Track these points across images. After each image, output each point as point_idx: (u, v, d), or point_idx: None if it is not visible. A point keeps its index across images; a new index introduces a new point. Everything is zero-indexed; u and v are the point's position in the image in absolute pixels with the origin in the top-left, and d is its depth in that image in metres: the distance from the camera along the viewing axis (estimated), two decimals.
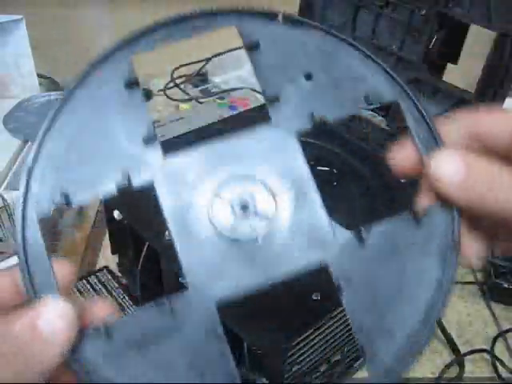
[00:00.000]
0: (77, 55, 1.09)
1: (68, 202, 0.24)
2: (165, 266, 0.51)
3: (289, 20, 0.27)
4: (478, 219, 0.25)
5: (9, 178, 0.75)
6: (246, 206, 0.25)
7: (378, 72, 0.27)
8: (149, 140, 0.25)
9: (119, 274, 0.64)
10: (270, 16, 0.27)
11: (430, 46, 0.64)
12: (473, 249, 0.25)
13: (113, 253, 0.63)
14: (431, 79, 0.65)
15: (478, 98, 0.60)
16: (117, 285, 0.62)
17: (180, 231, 0.25)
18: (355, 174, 0.59)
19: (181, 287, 0.25)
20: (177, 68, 1.08)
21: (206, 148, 0.26)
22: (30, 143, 0.83)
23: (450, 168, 0.24)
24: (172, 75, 1.08)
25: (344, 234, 0.26)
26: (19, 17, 0.86)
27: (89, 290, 0.61)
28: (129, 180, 0.25)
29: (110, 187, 0.25)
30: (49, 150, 0.25)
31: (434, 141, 0.25)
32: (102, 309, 0.24)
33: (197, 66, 1.10)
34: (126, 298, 0.60)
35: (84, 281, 0.62)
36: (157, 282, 0.55)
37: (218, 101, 0.82)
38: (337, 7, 0.73)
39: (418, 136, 0.26)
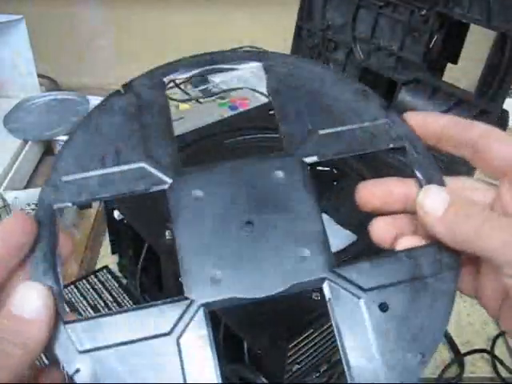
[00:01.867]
0: (77, 55, 1.09)
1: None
2: (165, 266, 0.51)
3: None
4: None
5: (9, 177, 0.75)
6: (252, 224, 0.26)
7: None
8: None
9: (119, 274, 0.64)
10: None
11: (430, 46, 0.64)
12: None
13: (113, 253, 0.63)
14: (431, 79, 0.65)
15: (478, 98, 0.60)
16: (117, 285, 0.62)
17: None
18: (355, 174, 0.59)
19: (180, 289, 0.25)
20: None
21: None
22: (30, 143, 0.83)
23: (434, 199, 0.26)
24: None
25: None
26: (19, 17, 0.86)
27: (89, 289, 0.61)
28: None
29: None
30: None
31: (439, 182, 0.28)
32: None
33: None
34: (126, 297, 0.60)
35: (84, 281, 0.62)
36: (157, 281, 0.55)
37: (219, 101, 0.82)
38: (337, 7, 0.73)
39: (422, 175, 0.28)
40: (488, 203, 0.28)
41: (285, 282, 0.25)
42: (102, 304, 0.59)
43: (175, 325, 0.24)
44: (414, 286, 0.26)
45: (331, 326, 0.26)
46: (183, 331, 0.24)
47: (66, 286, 0.61)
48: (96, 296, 0.60)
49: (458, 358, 0.58)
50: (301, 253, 0.26)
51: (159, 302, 0.24)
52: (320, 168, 0.59)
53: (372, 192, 0.29)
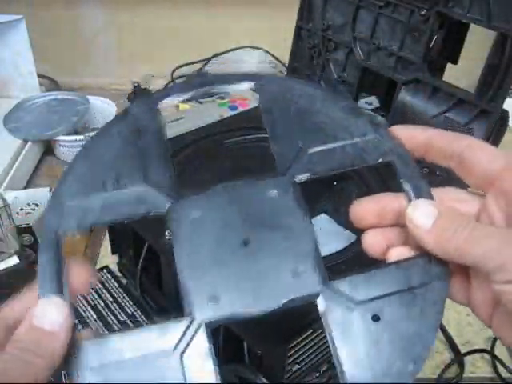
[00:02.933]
0: (77, 55, 1.09)
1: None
2: (165, 266, 0.51)
3: None
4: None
5: (9, 177, 0.75)
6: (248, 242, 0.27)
7: None
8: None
9: (119, 274, 0.64)
10: None
11: (430, 46, 0.64)
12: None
13: (113, 253, 0.63)
14: (431, 79, 0.65)
15: (478, 98, 0.60)
16: (117, 285, 0.62)
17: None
18: (355, 174, 0.59)
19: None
20: (177, 68, 1.09)
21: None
22: (30, 143, 0.83)
23: (423, 213, 0.27)
24: (172, 75, 1.08)
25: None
26: (19, 17, 0.86)
27: (89, 289, 0.61)
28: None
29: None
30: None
31: (428, 195, 0.28)
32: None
33: (197, 66, 1.10)
34: (126, 297, 0.60)
35: None
36: (157, 281, 0.55)
37: (219, 101, 0.82)
38: (337, 7, 0.73)
39: (411, 188, 0.29)
40: (475, 214, 0.28)
41: (281, 297, 0.27)
42: (102, 304, 0.59)
43: (178, 342, 0.25)
44: (405, 296, 0.27)
45: None
46: (186, 348, 0.25)
47: None
48: (96, 296, 0.60)
49: (458, 358, 0.58)
50: (295, 269, 0.27)
51: (162, 320, 0.26)
52: None
53: (366, 210, 0.30)
